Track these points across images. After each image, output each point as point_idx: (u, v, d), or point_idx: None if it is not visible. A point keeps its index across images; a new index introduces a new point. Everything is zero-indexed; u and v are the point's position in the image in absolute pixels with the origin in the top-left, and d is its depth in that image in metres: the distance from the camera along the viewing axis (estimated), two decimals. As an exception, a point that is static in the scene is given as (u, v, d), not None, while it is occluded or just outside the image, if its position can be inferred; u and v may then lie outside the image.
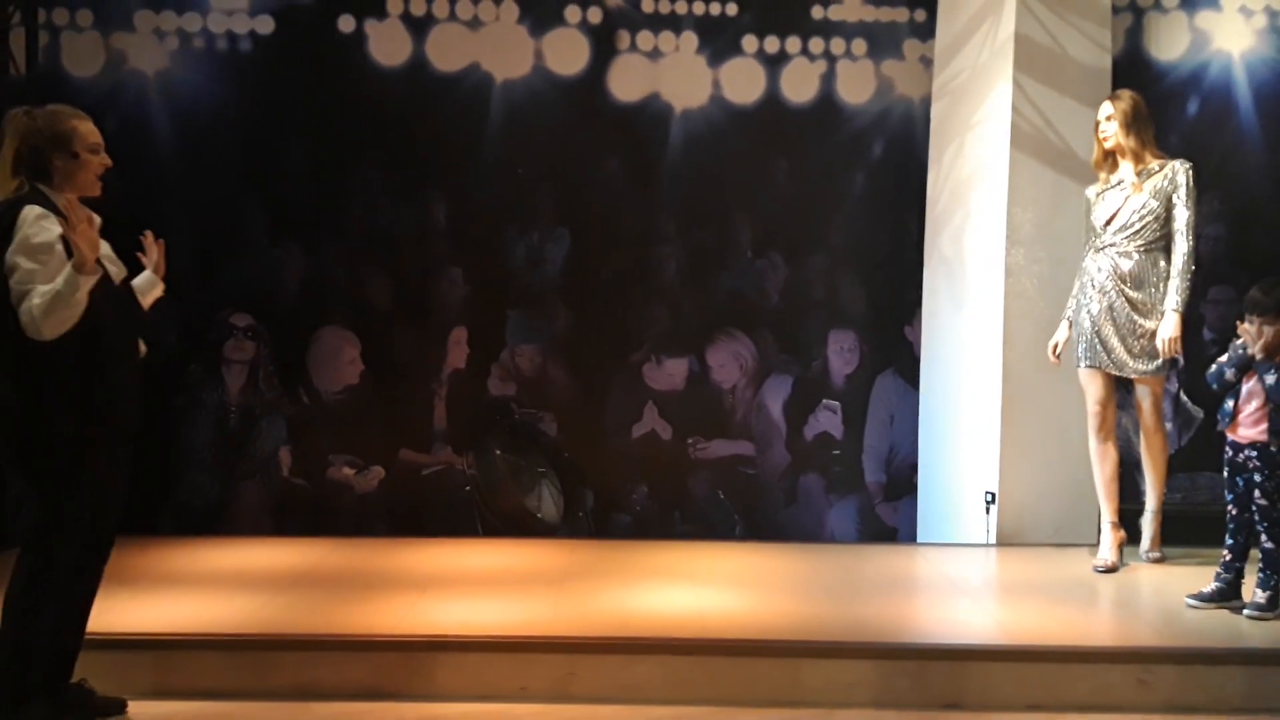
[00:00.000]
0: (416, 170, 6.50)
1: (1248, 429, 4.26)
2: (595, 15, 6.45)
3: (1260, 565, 4.24)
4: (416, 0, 6.37)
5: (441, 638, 3.94)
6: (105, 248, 3.36)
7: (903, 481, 6.58)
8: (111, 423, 3.36)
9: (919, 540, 6.27)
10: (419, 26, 6.39)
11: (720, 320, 6.64)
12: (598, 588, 4.60)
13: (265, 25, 6.34)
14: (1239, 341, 4.29)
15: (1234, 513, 4.33)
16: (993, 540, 5.50)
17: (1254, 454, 4.24)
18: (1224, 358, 4.35)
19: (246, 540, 5.72)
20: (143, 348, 3.53)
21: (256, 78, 6.36)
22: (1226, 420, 4.34)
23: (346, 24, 6.37)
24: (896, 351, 6.63)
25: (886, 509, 6.63)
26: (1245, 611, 4.23)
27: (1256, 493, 4.23)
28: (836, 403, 6.66)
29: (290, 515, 6.42)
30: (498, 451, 6.43)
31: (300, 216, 6.48)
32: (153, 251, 3.69)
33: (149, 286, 3.66)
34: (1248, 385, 4.26)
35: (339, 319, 6.53)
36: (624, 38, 6.48)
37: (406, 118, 6.41)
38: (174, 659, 3.83)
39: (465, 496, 6.42)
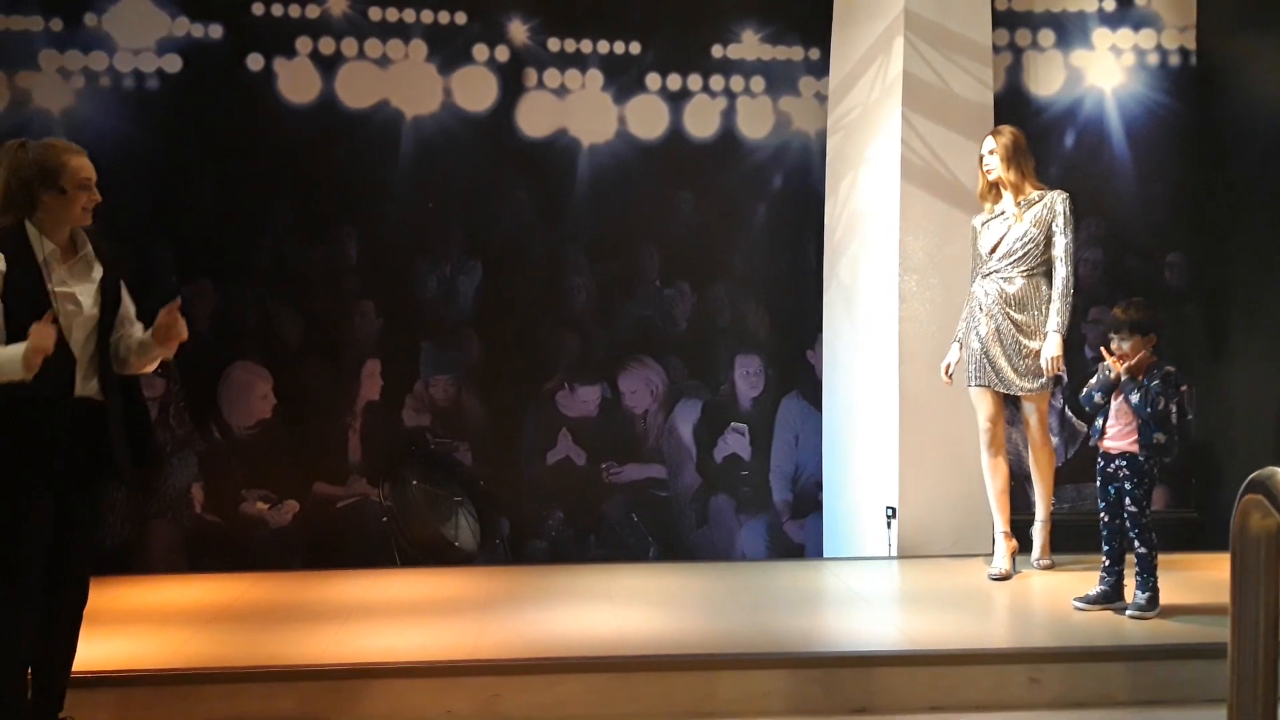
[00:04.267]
0: (328, 206, 6.51)
1: (1118, 441, 4.52)
2: (503, 53, 6.57)
3: (1136, 570, 4.48)
4: (325, 39, 6.43)
5: (367, 665, 3.96)
6: (76, 283, 3.36)
7: (808, 499, 6.77)
8: (44, 466, 3.29)
9: (825, 555, 6.44)
10: (328, 65, 6.45)
11: (631, 348, 6.76)
12: (518, 611, 4.64)
13: (173, 64, 6.33)
14: (1105, 364, 4.58)
15: (1106, 519, 4.58)
16: (894, 553, 5.69)
17: (1124, 464, 4.50)
18: (1092, 381, 4.61)
19: (161, 578, 5.66)
20: (92, 388, 3.41)
21: (165, 116, 6.33)
22: (1099, 436, 4.61)
23: (255, 62, 6.40)
24: (799, 375, 6.83)
25: (794, 526, 6.81)
26: (1128, 612, 4.47)
27: (1127, 500, 4.48)
28: (744, 425, 6.83)
29: (204, 552, 6.35)
30: (414, 481, 6.45)
31: (210, 253, 6.43)
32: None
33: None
34: (1116, 403, 4.54)
35: (250, 354, 6.49)
36: (531, 75, 6.61)
37: (317, 154, 6.44)
38: (97, 697, 3.76)
39: (382, 527, 6.42)
